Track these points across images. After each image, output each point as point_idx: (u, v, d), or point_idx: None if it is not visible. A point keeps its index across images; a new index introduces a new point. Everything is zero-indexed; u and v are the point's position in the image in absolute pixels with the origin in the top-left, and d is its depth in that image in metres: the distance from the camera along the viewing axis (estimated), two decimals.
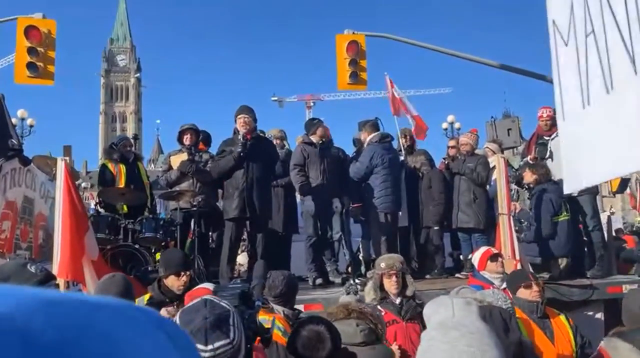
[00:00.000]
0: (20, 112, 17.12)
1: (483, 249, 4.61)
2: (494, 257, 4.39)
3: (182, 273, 3.48)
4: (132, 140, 7.25)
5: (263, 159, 5.70)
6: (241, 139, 5.57)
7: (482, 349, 1.36)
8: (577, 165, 2.38)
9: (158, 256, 6.12)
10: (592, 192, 6.42)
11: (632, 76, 2.04)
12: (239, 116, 5.71)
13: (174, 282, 3.43)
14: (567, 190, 2.57)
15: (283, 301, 3.13)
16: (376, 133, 6.46)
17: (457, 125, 20.30)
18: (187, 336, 0.40)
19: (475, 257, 4.59)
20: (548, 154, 6.49)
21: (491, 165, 6.91)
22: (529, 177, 6.28)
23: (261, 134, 6.05)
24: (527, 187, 6.47)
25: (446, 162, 6.92)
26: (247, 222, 5.89)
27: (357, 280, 5.51)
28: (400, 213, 6.65)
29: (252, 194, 5.54)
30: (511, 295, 3.56)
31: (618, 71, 2.13)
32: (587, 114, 2.27)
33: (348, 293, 2.97)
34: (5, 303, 0.31)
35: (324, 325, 2.33)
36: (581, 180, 2.43)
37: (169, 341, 0.37)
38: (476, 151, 6.94)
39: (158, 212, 6.95)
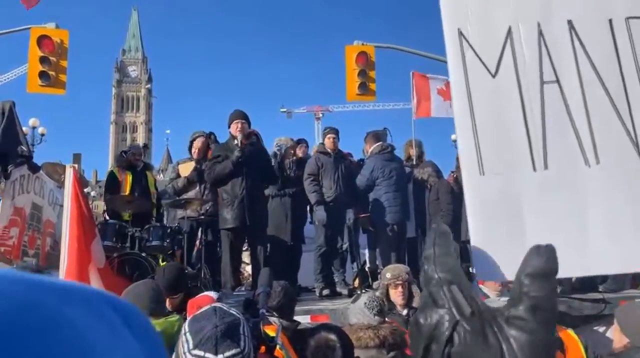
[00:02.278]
0: (32, 121, 17.33)
1: None
2: None
3: (173, 295, 3.40)
4: (142, 149, 7.28)
5: (259, 166, 5.63)
6: (238, 144, 5.49)
7: None
8: (493, 245, 1.79)
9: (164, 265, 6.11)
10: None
11: (631, 153, 1.74)
12: (234, 121, 5.67)
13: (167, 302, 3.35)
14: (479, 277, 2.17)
15: (280, 313, 3.07)
16: (376, 144, 6.45)
17: None
18: (143, 317, 0.38)
19: None
20: None
21: None
22: None
23: (255, 138, 5.92)
24: None
25: (455, 176, 6.84)
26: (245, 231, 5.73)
27: (364, 291, 5.45)
28: (407, 223, 6.61)
29: (251, 203, 5.47)
30: None
31: (609, 144, 1.79)
32: (534, 183, 1.79)
33: (371, 310, 2.89)
34: None
35: (335, 333, 2.29)
36: (494, 272, 1.87)
37: (121, 320, 0.35)
38: None
39: (165, 222, 6.95)
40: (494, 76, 1.86)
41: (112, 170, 6.74)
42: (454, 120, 1.87)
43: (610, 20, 1.86)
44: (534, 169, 1.78)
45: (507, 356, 1.35)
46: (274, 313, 3.01)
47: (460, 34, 1.91)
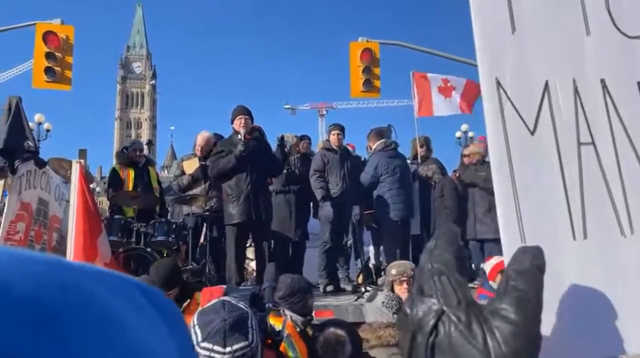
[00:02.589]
0: (37, 117, 17.38)
1: (497, 260, 4.51)
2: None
3: (168, 291, 3.41)
4: (144, 145, 7.28)
5: (263, 161, 5.64)
6: (241, 139, 5.49)
7: None
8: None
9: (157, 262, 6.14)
10: None
11: None
12: (238, 117, 5.67)
13: None
14: None
15: (288, 304, 3.09)
16: (380, 141, 6.45)
17: (470, 134, 20.18)
18: (170, 302, 0.39)
19: (487, 267, 4.51)
20: None
21: None
22: None
23: (258, 134, 5.92)
24: None
25: (457, 174, 6.81)
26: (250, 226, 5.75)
27: (368, 288, 5.47)
28: (412, 221, 6.62)
29: (257, 198, 5.48)
30: None
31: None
32: (574, 253, 1.69)
33: (389, 308, 2.90)
34: None
35: (344, 328, 2.31)
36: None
37: (151, 306, 0.35)
38: (487, 159, 6.86)
39: (170, 217, 6.97)
40: (532, 133, 1.79)
41: (114, 168, 6.76)
42: (493, 183, 1.78)
43: (638, 83, 1.81)
44: (574, 238, 1.70)
45: (491, 347, 1.37)
46: (284, 304, 3.03)
47: (498, 83, 1.83)
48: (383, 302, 2.93)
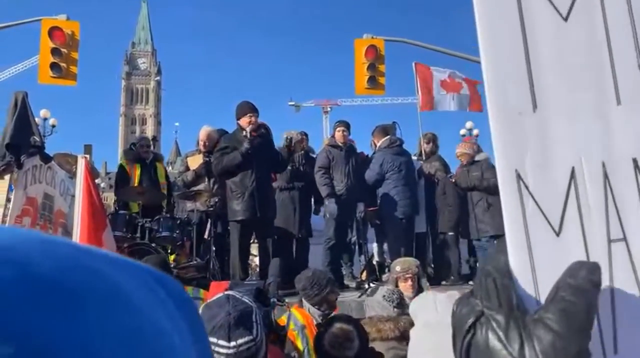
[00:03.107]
0: (43, 112, 17.44)
1: None
2: None
3: None
4: (150, 141, 7.31)
5: (268, 158, 5.64)
6: (248, 136, 5.50)
7: None
8: None
9: (172, 257, 6.16)
10: None
11: None
12: (248, 114, 5.65)
13: None
14: None
15: (307, 296, 3.12)
16: (385, 138, 6.45)
17: (475, 131, 20.11)
18: (183, 291, 0.39)
19: None
20: None
21: None
22: None
23: (263, 130, 5.92)
24: None
25: (453, 180, 6.73)
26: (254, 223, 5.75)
27: (371, 284, 5.48)
28: (417, 218, 6.62)
29: (261, 195, 5.48)
30: None
31: None
32: None
33: (390, 302, 2.90)
34: (4, 236, 0.31)
35: (352, 324, 2.31)
36: None
37: (165, 292, 0.36)
38: (476, 157, 6.82)
39: (175, 213, 7.00)
40: (558, 234, 1.56)
41: (121, 164, 6.80)
42: (515, 290, 1.53)
43: None
44: (604, 355, 1.50)
45: (527, 356, 1.31)
46: (304, 296, 3.04)
47: (518, 176, 1.59)
48: (384, 296, 2.94)
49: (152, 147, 7.11)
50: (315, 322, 2.90)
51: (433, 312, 1.42)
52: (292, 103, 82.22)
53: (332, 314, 3.12)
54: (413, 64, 8.12)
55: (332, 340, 2.25)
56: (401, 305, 3.05)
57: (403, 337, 2.53)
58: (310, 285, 3.21)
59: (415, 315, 1.51)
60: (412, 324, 2.60)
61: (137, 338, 0.31)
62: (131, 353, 0.30)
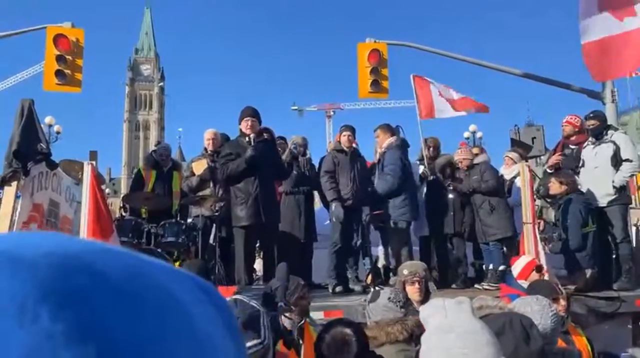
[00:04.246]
0: (48, 119, 17.53)
1: (527, 259, 4.51)
2: (539, 268, 4.31)
3: None
4: (170, 150, 7.26)
5: (271, 163, 5.66)
6: (252, 143, 5.50)
7: (475, 348, 1.36)
8: None
9: (178, 263, 6.18)
10: (624, 202, 6.28)
11: None
12: (245, 119, 5.67)
13: None
14: None
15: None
16: (393, 137, 6.39)
17: (479, 134, 20.13)
18: (225, 301, 0.41)
19: (517, 266, 4.47)
20: (581, 163, 6.36)
21: (513, 174, 6.79)
22: (556, 188, 6.14)
23: (267, 135, 5.94)
24: (548, 199, 6.34)
25: (451, 188, 6.69)
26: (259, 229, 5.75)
27: (377, 288, 5.46)
28: (420, 222, 6.62)
29: (265, 201, 5.49)
30: None
31: None
32: None
33: (397, 303, 2.88)
34: (70, 245, 0.33)
35: (350, 328, 2.31)
36: None
37: (208, 299, 0.38)
38: (476, 160, 6.80)
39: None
40: None
41: (139, 169, 6.91)
42: None
43: None
44: None
45: None
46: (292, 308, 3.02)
47: None
48: (389, 298, 2.91)
49: (170, 155, 7.13)
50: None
51: (443, 318, 1.43)
52: (295, 107, 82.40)
53: (331, 320, 3.10)
54: (411, 77, 8.05)
55: (329, 344, 2.25)
56: (405, 305, 3.04)
57: (411, 338, 2.53)
58: (284, 293, 3.15)
59: (426, 321, 1.52)
60: (418, 325, 2.60)
61: (189, 339, 0.33)
62: (183, 352, 0.32)
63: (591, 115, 6.48)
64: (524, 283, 4.14)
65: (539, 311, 2.37)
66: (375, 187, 6.28)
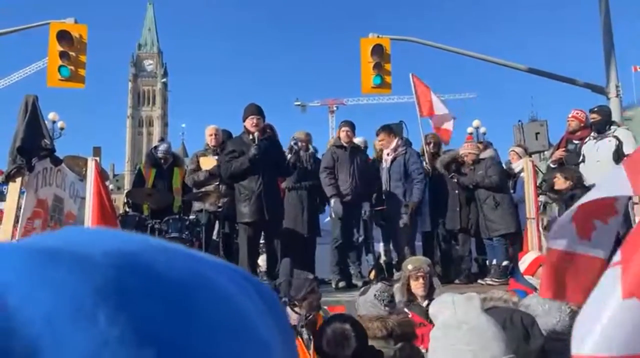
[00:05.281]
0: (51, 115, 17.53)
1: (534, 254, 4.49)
2: None
3: None
4: (170, 151, 7.22)
5: (274, 160, 5.66)
6: (256, 141, 5.51)
7: (481, 345, 1.35)
8: None
9: None
10: (626, 197, 6.24)
11: None
12: (250, 117, 5.67)
13: None
14: None
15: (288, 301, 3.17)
16: (397, 138, 6.45)
17: (482, 129, 20.06)
18: (276, 298, 0.41)
19: (525, 261, 4.46)
20: (581, 158, 6.35)
21: (517, 169, 6.78)
22: (561, 183, 6.12)
23: (269, 132, 5.93)
24: (552, 195, 6.32)
25: (456, 180, 6.70)
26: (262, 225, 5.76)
27: (374, 283, 5.48)
28: (423, 217, 6.63)
29: (269, 197, 5.50)
30: None
31: None
32: None
33: (381, 300, 2.90)
34: (128, 243, 0.33)
35: (349, 323, 2.32)
36: None
37: (258, 296, 0.37)
38: (482, 155, 6.80)
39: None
40: None
41: (140, 167, 6.91)
42: None
43: None
44: None
45: None
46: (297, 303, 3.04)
47: None
48: (375, 295, 2.92)
49: (170, 151, 7.11)
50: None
51: (452, 313, 1.43)
52: (298, 103, 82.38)
53: (331, 315, 3.11)
54: (410, 76, 8.02)
55: (329, 339, 2.26)
56: (392, 303, 3.05)
57: (390, 336, 2.53)
58: (288, 289, 3.17)
59: (435, 316, 1.52)
60: (400, 324, 2.60)
61: (242, 339, 0.33)
62: (237, 352, 0.32)
63: (595, 109, 6.47)
64: (531, 279, 4.12)
65: (557, 309, 2.35)
66: (412, 197, 6.24)
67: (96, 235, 0.34)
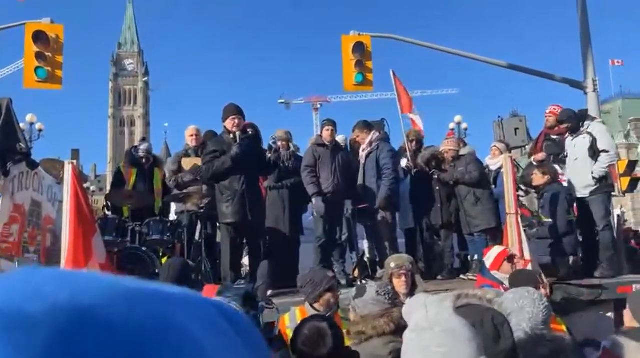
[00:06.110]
0: (29, 117, 17.23)
1: (499, 249, 4.50)
2: (511, 258, 4.31)
3: None
4: (150, 151, 7.13)
5: (256, 160, 5.64)
6: (237, 140, 5.49)
7: (453, 347, 1.36)
8: None
9: (164, 260, 6.15)
10: (605, 191, 6.35)
11: None
12: (230, 117, 5.62)
13: None
14: None
15: (305, 295, 3.28)
16: (373, 132, 6.46)
17: (464, 125, 20.20)
18: (247, 321, 0.40)
19: (490, 257, 4.49)
20: (566, 153, 6.44)
21: (497, 166, 6.85)
22: (539, 179, 6.21)
23: (252, 131, 5.89)
24: (530, 190, 6.40)
25: (435, 176, 6.74)
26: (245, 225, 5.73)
27: (364, 282, 5.50)
28: (398, 215, 6.68)
29: (251, 197, 5.48)
30: None
31: None
32: None
33: (386, 295, 2.90)
34: (86, 294, 0.31)
35: (325, 321, 2.32)
36: None
37: (231, 327, 0.36)
38: (461, 152, 6.87)
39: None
40: None
41: (119, 167, 6.80)
42: None
43: None
44: None
45: None
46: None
47: None
48: (377, 291, 2.91)
49: (150, 151, 7.01)
50: None
51: (423, 315, 1.43)
52: (282, 101, 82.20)
53: (329, 314, 3.12)
54: (391, 72, 8.04)
55: (304, 338, 2.26)
56: (394, 298, 3.05)
57: (398, 330, 2.54)
58: (306, 284, 3.24)
59: (408, 317, 1.52)
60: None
61: None
62: None
63: (564, 119, 6.47)
64: (497, 274, 4.16)
65: (530, 303, 2.38)
66: (379, 193, 6.22)
67: (50, 283, 0.31)
